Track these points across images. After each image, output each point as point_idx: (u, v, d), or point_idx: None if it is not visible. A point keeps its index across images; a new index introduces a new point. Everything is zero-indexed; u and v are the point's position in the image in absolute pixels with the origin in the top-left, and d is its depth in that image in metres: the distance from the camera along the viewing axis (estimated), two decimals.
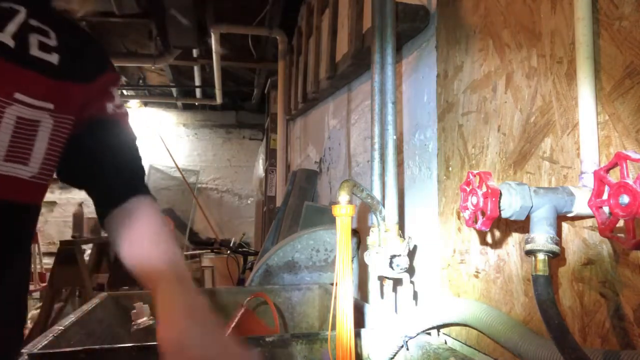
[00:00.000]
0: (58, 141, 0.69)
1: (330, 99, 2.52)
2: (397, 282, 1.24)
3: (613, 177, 0.61)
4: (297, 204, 2.67)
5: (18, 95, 0.62)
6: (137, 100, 6.40)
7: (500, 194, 0.67)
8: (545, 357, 0.72)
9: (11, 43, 0.62)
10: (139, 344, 0.89)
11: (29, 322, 3.62)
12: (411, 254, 1.20)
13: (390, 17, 1.23)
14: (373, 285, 1.33)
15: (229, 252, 3.82)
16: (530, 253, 0.67)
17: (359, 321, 1.23)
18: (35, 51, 0.65)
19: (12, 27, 0.63)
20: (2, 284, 0.65)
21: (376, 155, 1.24)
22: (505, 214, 0.68)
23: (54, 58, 0.67)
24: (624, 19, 0.68)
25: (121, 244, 0.75)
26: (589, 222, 0.73)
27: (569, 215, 0.70)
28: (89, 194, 0.82)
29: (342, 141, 2.24)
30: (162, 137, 6.58)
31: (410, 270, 1.21)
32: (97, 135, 0.77)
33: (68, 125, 0.70)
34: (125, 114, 0.82)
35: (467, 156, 1.08)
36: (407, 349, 0.99)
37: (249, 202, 7.04)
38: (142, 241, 0.75)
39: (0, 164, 0.61)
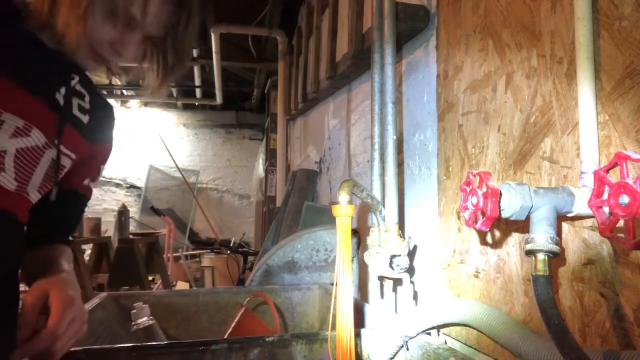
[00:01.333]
0: (56, 171, 0.79)
1: (330, 99, 2.52)
2: (397, 282, 1.24)
3: (613, 177, 0.61)
4: (297, 204, 2.67)
5: (62, 147, 0.75)
6: (137, 100, 6.39)
7: (500, 194, 0.67)
8: (545, 357, 0.72)
9: (61, 101, 0.75)
10: (139, 344, 0.89)
11: None
12: (411, 254, 1.20)
13: (390, 17, 1.23)
14: (373, 285, 1.33)
15: (229, 252, 3.81)
16: (530, 253, 0.67)
17: (359, 321, 1.23)
18: (75, 111, 0.79)
19: (63, 90, 0.76)
20: None
21: (376, 155, 1.24)
22: (505, 214, 0.68)
23: (85, 118, 0.81)
24: (624, 19, 0.68)
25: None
26: (589, 222, 0.73)
27: (569, 215, 0.70)
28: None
29: (342, 141, 2.24)
30: (162, 137, 6.58)
31: (410, 270, 1.21)
32: (61, 199, 0.83)
33: (70, 160, 0.81)
34: (91, 190, 0.94)
35: (467, 156, 1.08)
36: (407, 349, 0.99)
37: (249, 202, 7.04)
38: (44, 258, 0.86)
39: (33, 194, 0.73)
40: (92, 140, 0.84)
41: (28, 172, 0.71)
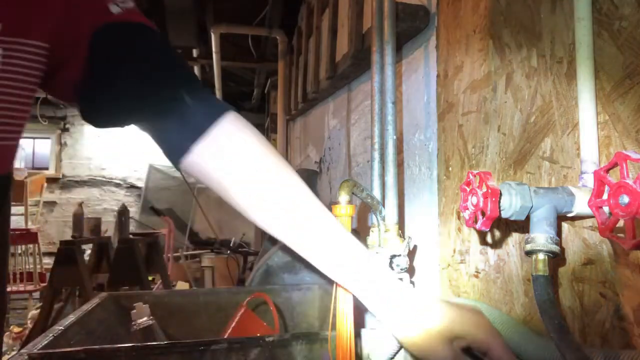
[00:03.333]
0: (12, 80, 0.48)
1: (330, 99, 2.52)
2: None
3: (613, 177, 0.61)
4: None
5: None
6: None
7: (500, 194, 0.67)
8: (545, 357, 0.72)
9: None
10: (139, 344, 0.89)
11: (29, 322, 3.62)
12: (411, 254, 1.20)
13: (390, 17, 1.23)
14: None
15: (229, 252, 3.81)
16: (530, 253, 0.67)
17: (359, 321, 1.23)
18: None
19: None
20: None
21: (376, 155, 1.24)
22: (505, 214, 0.68)
23: None
24: (624, 19, 0.68)
25: (244, 204, 0.62)
26: (589, 222, 0.73)
27: (569, 215, 0.70)
28: (141, 127, 0.63)
29: (342, 141, 2.24)
30: None
31: (410, 270, 1.21)
32: (117, 52, 0.54)
33: (30, 55, 0.48)
34: (137, 12, 0.58)
35: (467, 156, 1.08)
36: None
37: None
38: (275, 204, 0.61)
39: None
40: None
41: None
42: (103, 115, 0.60)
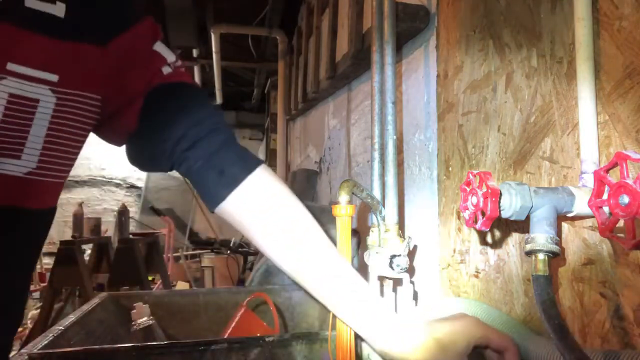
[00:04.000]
0: (65, 126, 0.52)
1: (330, 99, 2.52)
2: (397, 282, 1.24)
3: (613, 177, 0.61)
4: None
5: (11, 66, 0.46)
6: None
7: (500, 194, 0.67)
8: (545, 357, 0.72)
9: None
10: (139, 344, 0.89)
11: (29, 322, 3.62)
12: (411, 254, 1.20)
13: (390, 17, 1.23)
14: (373, 286, 1.33)
15: (229, 252, 3.82)
16: (530, 253, 0.67)
17: None
18: (30, 1, 0.46)
19: None
20: None
21: (376, 155, 1.24)
22: (505, 214, 0.68)
23: (58, 9, 0.48)
24: (624, 19, 0.68)
25: (278, 254, 0.67)
26: (589, 222, 0.73)
27: (569, 215, 0.70)
28: (185, 176, 0.68)
29: (342, 141, 2.24)
30: None
31: (410, 270, 1.21)
32: (167, 107, 0.61)
33: (83, 105, 0.54)
34: (184, 72, 0.66)
35: (467, 156, 1.08)
36: None
37: None
38: (309, 257, 0.67)
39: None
40: (92, 37, 0.52)
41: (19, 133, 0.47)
42: (147, 161, 0.68)
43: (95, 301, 1.28)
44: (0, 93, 0.46)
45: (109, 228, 4.85)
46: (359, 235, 1.65)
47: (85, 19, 0.52)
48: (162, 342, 1.19)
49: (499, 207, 0.68)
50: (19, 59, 0.46)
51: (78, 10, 0.50)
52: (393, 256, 1.12)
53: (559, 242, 0.67)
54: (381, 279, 1.28)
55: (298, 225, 0.67)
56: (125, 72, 0.58)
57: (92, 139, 0.61)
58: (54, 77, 0.49)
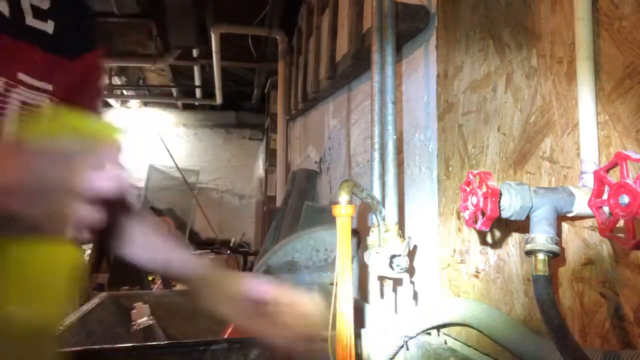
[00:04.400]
0: None
1: (330, 99, 2.52)
2: (397, 282, 1.24)
3: (613, 177, 0.61)
4: (297, 204, 2.67)
5: (21, 76, 0.51)
6: (137, 100, 6.39)
7: (500, 194, 0.67)
8: (545, 357, 0.72)
9: (6, 11, 0.49)
10: (139, 344, 0.89)
11: None
12: (411, 254, 1.20)
13: (390, 17, 1.23)
14: (373, 285, 1.33)
15: (229, 252, 3.82)
16: (530, 253, 0.67)
17: (359, 321, 1.23)
18: (30, 20, 0.52)
19: None
20: None
21: (376, 155, 1.24)
22: (505, 214, 0.68)
23: (49, 26, 0.54)
24: (624, 19, 0.68)
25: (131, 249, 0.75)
26: (589, 222, 0.73)
27: (569, 215, 0.70)
28: None
29: (342, 141, 2.24)
30: (162, 137, 6.58)
31: (410, 270, 1.21)
32: None
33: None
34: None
35: (467, 156, 1.08)
36: (407, 349, 0.99)
37: (249, 202, 7.04)
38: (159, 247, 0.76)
39: None
40: (70, 53, 0.58)
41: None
42: None
43: (95, 301, 1.28)
44: (13, 101, 0.51)
45: None
46: (359, 235, 1.65)
47: (65, 36, 0.58)
48: (162, 342, 1.19)
49: (499, 207, 0.68)
50: (26, 69, 0.51)
51: (60, 28, 0.57)
52: (393, 256, 1.12)
53: (559, 242, 0.67)
54: (381, 279, 1.28)
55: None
56: (84, 86, 0.64)
57: None
58: (50, 87, 0.55)
